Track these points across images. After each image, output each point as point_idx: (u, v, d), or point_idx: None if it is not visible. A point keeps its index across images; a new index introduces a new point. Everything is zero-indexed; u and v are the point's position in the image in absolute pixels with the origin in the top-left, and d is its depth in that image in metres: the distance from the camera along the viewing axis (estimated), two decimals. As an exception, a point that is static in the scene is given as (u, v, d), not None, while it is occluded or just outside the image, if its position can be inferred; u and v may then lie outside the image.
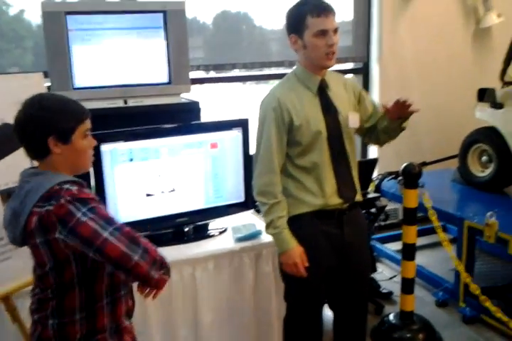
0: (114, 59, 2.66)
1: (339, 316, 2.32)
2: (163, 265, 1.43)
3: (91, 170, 2.23)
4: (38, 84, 2.29)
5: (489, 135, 3.46)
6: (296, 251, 2.05)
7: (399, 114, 2.04)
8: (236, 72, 3.97)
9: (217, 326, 2.38)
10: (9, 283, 1.92)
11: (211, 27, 3.87)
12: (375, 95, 4.26)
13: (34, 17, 3.30)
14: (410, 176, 2.68)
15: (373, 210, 3.18)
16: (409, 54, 4.26)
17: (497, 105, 3.41)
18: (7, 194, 1.93)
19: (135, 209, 2.40)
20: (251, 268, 2.43)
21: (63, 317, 1.44)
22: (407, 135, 2.37)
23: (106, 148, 2.28)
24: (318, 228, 2.10)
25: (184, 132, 2.47)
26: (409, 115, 2.07)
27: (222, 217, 2.63)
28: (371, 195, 3.20)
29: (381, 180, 3.56)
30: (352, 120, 2.12)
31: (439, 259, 3.52)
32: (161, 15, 2.70)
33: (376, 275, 3.46)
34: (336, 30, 1.98)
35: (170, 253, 2.31)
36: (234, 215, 2.65)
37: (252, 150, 2.20)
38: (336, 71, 2.21)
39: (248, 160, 2.43)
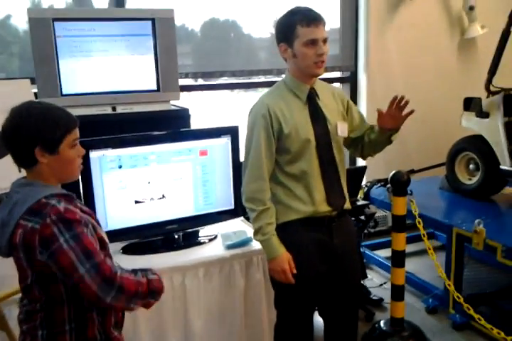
0: (102, 66, 2.64)
1: (329, 323, 2.31)
2: (144, 297, 1.44)
3: (79, 177, 2.21)
4: (25, 91, 2.28)
5: (476, 143, 3.50)
6: (284, 257, 2.04)
7: (392, 122, 2.06)
8: (224, 80, 3.97)
9: (207, 333, 2.36)
10: (-3, 291, 1.89)
11: (199, 34, 3.87)
12: (363, 104, 4.30)
13: (20, 22, 3.28)
14: (399, 184, 2.69)
15: (362, 217, 3.19)
16: (396, 63, 4.31)
17: (483, 114, 3.45)
18: (-4, 200, 1.90)
19: (124, 217, 2.38)
20: (241, 275, 2.41)
21: (53, 328, 1.42)
22: (395, 143, 2.38)
23: (94, 154, 2.26)
24: (308, 235, 2.09)
25: (173, 139, 2.46)
26: (402, 121, 2.08)
27: (212, 224, 2.62)
28: (360, 203, 3.22)
29: (370, 188, 3.57)
30: (341, 129, 2.13)
31: (429, 266, 3.52)
32: (149, 22, 2.70)
33: (366, 282, 3.46)
34: (325, 40, 2.00)
35: (160, 260, 2.31)
36: (224, 222, 2.64)
37: (242, 158, 2.20)
38: (323, 80, 2.22)
39: (238, 168, 2.42)
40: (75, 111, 1.49)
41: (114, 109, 2.71)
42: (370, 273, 3.69)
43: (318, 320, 2.38)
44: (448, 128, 4.12)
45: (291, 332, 2.21)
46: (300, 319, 2.20)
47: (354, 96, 4.33)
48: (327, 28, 2.03)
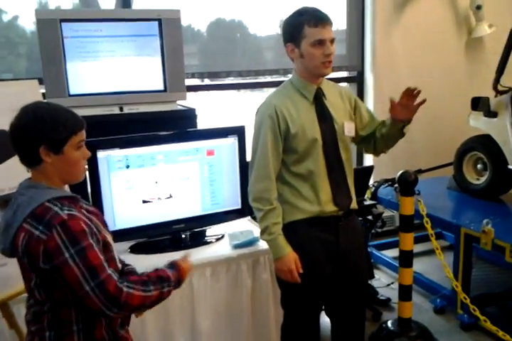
0: (109, 66, 2.65)
1: (337, 323, 2.31)
2: (151, 306, 1.47)
3: (87, 177, 2.23)
4: (33, 91, 2.29)
5: (484, 143, 3.48)
6: (290, 257, 2.05)
7: (405, 113, 2.06)
8: (231, 80, 3.98)
9: (214, 333, 2.37)
10: (6, 290, 1.91)
11: (206, 35, 3.88)
12: (370, 103, 4.28)
13: (28, 23, 3.30)
14: (406, 184, 2.69)
15: (370, 217, 3.18)
16: (403, 63, 4.29)
17: (491, 114, 3.44)
18: (4, 201, 1.92)
19: (132, 216, 2.39)
20: (248, 275, 2.42)
21: (60, 329, 1.42)
22: (402, 142, 2.38)
23: (102, 154, 2.27)
24: (314, 235, 2.09)
25: (181, 139, 2.47)
26: (415, 111, 2.08)
27: (219, 223, 2.63)
28: (368, 202, 3.21)
29: (377, 188, 3.57)
30: (347, 128, 2.12)
31: (437, 266, 3.50)
32: (156, 23, 2.71)
33: (374, 282, 3.45)
34: (332, 40, 2.00)
35: (167, 260, 2.30)
36: (231, 222, 2.64)
37: (248, 157, 2.20)
38: (330, 79, 2.22)
39: (244, 167, 2.42)
40: (83, 112, 1.50)
41: (121, 109, 2.72)
42: (377, 273, 3.68)
43: (325, 319, 2.38)
44: (455, 128, 4.10)
45: (298, 332, 2.21)
46: (307, 318, 2.20)
47: (361, 95, 4.32)
48: (334, 28, 2.03)
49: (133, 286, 1.39)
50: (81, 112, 1.49)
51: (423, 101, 2.05)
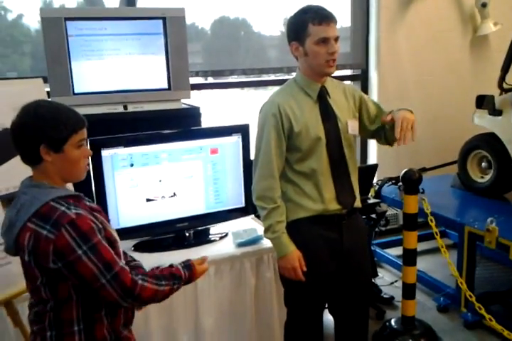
0: (114, 65, 2.66)
1: (340, 321, 2.31)
2: (161, 300, 1.51)
3: (91, 175, 2.23)
4: (37, 90, 2.29)
5: (488, 141, 3.47)
6: (294, 255, 2.05)
7: None
8: (234, 78, 3.97)
9: (218, 331, 2.38)
10: (10, 288, 1.91)
11: (210, 33, 3.88)
12: (374, 101, 4.27)
13: (32, 22, 3.31)
14: (410, 182, 2.68)
15: (373, 216, 3.18)
16: (407, 61, 4.28)
17: (496, 112, 3.43)
18: (7, 199, 1.92)
19: (136, 215, 2.40)
20: (252, 273, 2.42)
21: (61, 329, 1.43)
22: (406, 141, 2.38)
23: (106, 153, 2.28)
24: (317, 233, 2.10)
25: (184, 137, 2.47)
26: None
27: (222, 222, 2.63)
28: (371, 201, 3.20)
29: (381, 186, 3.56)
30: (351, 127, 2.12)
31: (440, 264, 3.51)
32: (160, 21, 2.71)
33: (377, 281, 3.45)
34: (337, 39, 2.00)
35: (170, 258, 2.31)
36: (234, 220, 2.65)
37: (252, 156, 2.20)
38: (334, 78, 2.22)
39: (248, 166, 2.43)
40: (87, 110, 1.51)
41: (125, 107, 2.72)
42: (381, 272, 3.68)
43: (328, 318, 2.38)
44: (460, 126, 4.09)
45: (301, 330, 2.21)
46: (310, 316, 2.20)
47: (365, 93, 4.30)
48: (338, 26, 2.03)
49: (147, 279, 1.43)
50: (85, 111, 1.49)
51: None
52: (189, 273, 1.55)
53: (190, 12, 2.89)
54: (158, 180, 2.41)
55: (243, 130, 2.57)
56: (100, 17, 2.64)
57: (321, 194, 2.07)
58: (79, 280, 1.37)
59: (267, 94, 2.20)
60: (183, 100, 2.91)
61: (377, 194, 3.54)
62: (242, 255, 2.41)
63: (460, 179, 3.70)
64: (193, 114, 2.87)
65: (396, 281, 3.49)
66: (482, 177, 3.56)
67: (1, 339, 2.05)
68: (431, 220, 3.00)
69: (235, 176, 2.59)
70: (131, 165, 2.34)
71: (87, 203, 1.50)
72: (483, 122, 3.54)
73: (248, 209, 2.63)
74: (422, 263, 3.32)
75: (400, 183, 2.74)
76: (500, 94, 3.52)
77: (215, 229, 2.65)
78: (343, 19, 4.17)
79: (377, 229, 3.43)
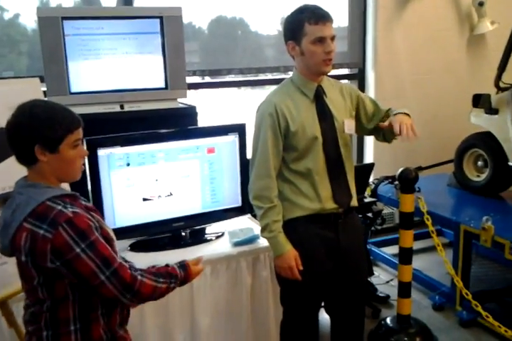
0: (110, 64, 2.66)
1: (336, 320, 2.32)
2: (158, 298, 1.51)
3: (87, 175, 2.24)
4: (34, 89, 2.29)
5: (485, 140, 3.48)
6: (290, 254, 2.06)
7: None
8: (231, 78, 3.98)
9: (214, 330, 2.38)
10: (6, 288, 1.91)
11: (206, 32, 3.88)
12: (371, 100, 4.28)
13: (29, 21, 3.30)
14: (407, 181, 2.69)
15: (370, 214, 3.19)
16: (404, 60, 4.29)
17: (492, 111, 3.43)
18: (3, 199, 1.92)
19: (132, 214, 2.40)
20: (248, 272, 2.43)
21: (57, 329, 1.43)
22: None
23: (103, 152, 2.28)
24: (314, 232, 2.10)
25: (181, 137, 2.47)
26: None
27: (219, 221, 2.64)
28: (368, 200, 3.21)
29: (377, 185, 3.57)
30: (348, 126, 2.13)
31: (436, 263, 3.53)
32: (157, 20, 2.71)
33: (373, 279, 3.46)
34: (333, 38, 2.00)
35: (167, 257, 2.31)
36: (231, 220, 2.65)
37: (249, 155, 2.21)
38: (331, 77, 2.22)
39: (245, 165, 2.43)
40: (83, 110, 1.51)
41: (122, 107, 2.72)
42: (376, 270, 3.69)
43: (324, 317, 2.39)
44: (456, 125, 4.09)
45: (297, 329, 2.22)
46: (306, 315, 2.21)
47: (362, 92, 4.32)
48: (335, 25, 2.03)
49: (145, 275, 1.44)
50: (82, 110, 1.49)
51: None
52: (184, 273, 1.55)
53: (187, 11, 2.89)
54: (154, 180, 2.41)
55: (240, 129, 2.57)
56: (97, 16, 2.64)
57: (318, 193, 2.08)
58: (78, 278, 1.36)
59: (263, 93, 2.21)
60: (179, 99, 2.91)
61: (374, 193, 3.55)
62: (239, 254, 2.41)
63: (456, 178, 3.71)
64: (189, 114, 2.87)
65: (392, 280, 3.50)
66: (478, 176, 3.57)
67: (-5, 340, 2.05)
68: (427, 219, 3.01)
69: (231, 175, 2.59)
70: (128, 164, 2.35)
71: (83, 202, 1.50)
72: (480, 121, 3.55)
73: (244, 208, 2.64)
74: (418, 262, 3.33)
75: (396, 182, 2.75)
76: (497, 92, 3.52)
77: (212, 229, 2.66)
78: (341, 18, 4.17)
79: (373, 228, 3.43)
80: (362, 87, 4.32)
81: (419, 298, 3.35)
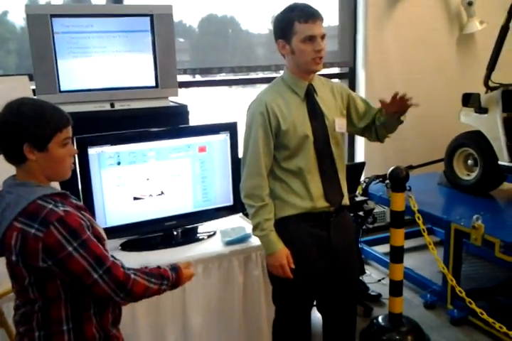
0: (100, 62, 2.64)
1: (328, 319, 2.32)
2: (149, 297, 1.51)
3: (78, 174, 2.22)
4: (23, 87, 2.28)
5: (474, 139, 3.50)
6: (282, 252, 2.06)
7: (397, 109, 2.06)
8: (222, 76, 3.97)
9: (206, 329, 2.37)
10: (-4, 288, 1.89)
11: (197, 30, 3.87)
12: (361, 99, 4.29)
13: (18, 19, 3.28)
14: (397, 180, 2.69)
15: (361, 213, 3.19)
16: (395, 59, 4.30)
17: (482, 110, 3.46)
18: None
19: (123, 213, 2.38)
20: (240, 271, 2.42)
21: (50, 329, 1.42)
22: (393, 139, 2.39)
23: (93, 151, 2.26)
24: (305, 230, 2.10)
25: (172, 135, 2.46)
26: (407, 108, 2.08)
27: (210, 220, 2.63)
28: (359, 198, 3.21)
29: (368, 184, 3.58)
30: (338, 124, 2.13)
31: (427, 261, 3.55)
32: (147, 19, 2.69)
33: (364, 278, 3.47)
34: (323, 36, 2.00)
35: (158, 257, 2.31)
36: (223, 219, 2.64)
37: (240, 154, 2.20)
38: (322, 76, 2.22)
39: (236, 164, 2.43)
40: (73, 108, 1.50)
41: (112, 105, 2.71)
42: (368, 269, 3.70)
43: (316, 315, 2.39)
44: (446, 124, 4.11)
45: (289, 328, 2.22)
46: (298, 314, 2.21)
47: (353, 91, 4.32)
48: (325, 24, 2.03)
49: (138, 274, 1.44)
50: (72, 108, 1.48)
51: (414, 105, 2.05)
52: (176, 275, 1.54)
53: (177, 9, 2.88)
54: (145, 179, 2.40)
55: (231, 128, 2.56)
56: (87, 14, 2.62)
57: (309, 191, 2.08)
58: (70, 277, 1.35)
59: (254, 92, 2.21)
60: (170, 98, 2.90)
61: (365, 191, 3.56)
62: (231, 253, 2.41)
63: (446, 177, 3.73)
64: (180, 112, 2.86)
65: (383, 278, 3.51)
66: (468, 175, 3.58)
67: (-14, 340, 2.03)
68: (418, 218, 3.02)
69: (223, 174, 2.59)
70: (119, 163, 2.33)
71: (74, 201, 1.49)
72: (469, 120, 3.57)
73: (236, 207, 2.63)
74: (409, 261, 3.34)
75: (387, 181, 2.75)
76: (486, 92, 3.55)
77: (203, 228, 2.65)
78: (331, 17, 4.17)
79: (364, 227, 3.44)
80: (352, 86, 4.34)
81: (410, 296, 3.36)
